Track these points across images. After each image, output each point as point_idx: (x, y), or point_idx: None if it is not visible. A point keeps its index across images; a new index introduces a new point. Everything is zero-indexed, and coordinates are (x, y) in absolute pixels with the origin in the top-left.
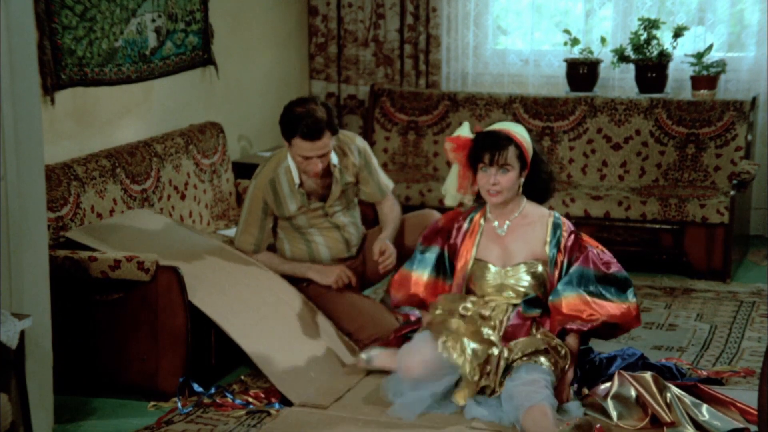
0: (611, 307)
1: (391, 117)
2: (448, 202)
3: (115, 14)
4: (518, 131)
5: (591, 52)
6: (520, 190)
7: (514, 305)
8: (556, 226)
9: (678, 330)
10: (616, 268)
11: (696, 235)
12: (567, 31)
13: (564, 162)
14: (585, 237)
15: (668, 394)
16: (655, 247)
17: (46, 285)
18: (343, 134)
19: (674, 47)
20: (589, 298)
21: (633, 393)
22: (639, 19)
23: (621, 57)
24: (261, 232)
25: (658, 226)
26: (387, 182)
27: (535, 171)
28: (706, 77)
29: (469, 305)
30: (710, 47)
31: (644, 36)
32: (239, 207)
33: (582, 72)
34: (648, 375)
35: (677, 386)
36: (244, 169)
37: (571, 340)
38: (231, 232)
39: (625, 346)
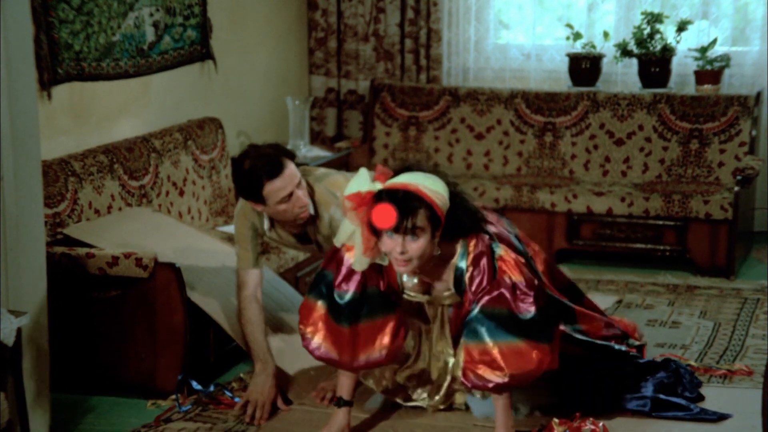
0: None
1: (392, 112)
2: (357, 267)
3: (112, 8)
4: (429, 185)
5: (593, 47)
6: (436, 249)
7: (449, 305)
8: (459, 274)
9: (681, 327)
10: (532, 306)
11: (699, 232)
12: (569, 26)
13: (566, 158)
14: (506, 261)
15: None
16: (658, 244)
17: (43, 282)
18: (320, 194)
19: (678, 41)
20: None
21: None
22: (642, 13)
23: (624, 51)
24: (254, 248)
25: (661, 222)
26: None
27: (455, 214)
28: (709, 72)
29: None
30: (714, 41)
31: (647, 30)
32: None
33: (584, 67)
34: None
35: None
36: None
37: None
38: (230, 228)
39: None
